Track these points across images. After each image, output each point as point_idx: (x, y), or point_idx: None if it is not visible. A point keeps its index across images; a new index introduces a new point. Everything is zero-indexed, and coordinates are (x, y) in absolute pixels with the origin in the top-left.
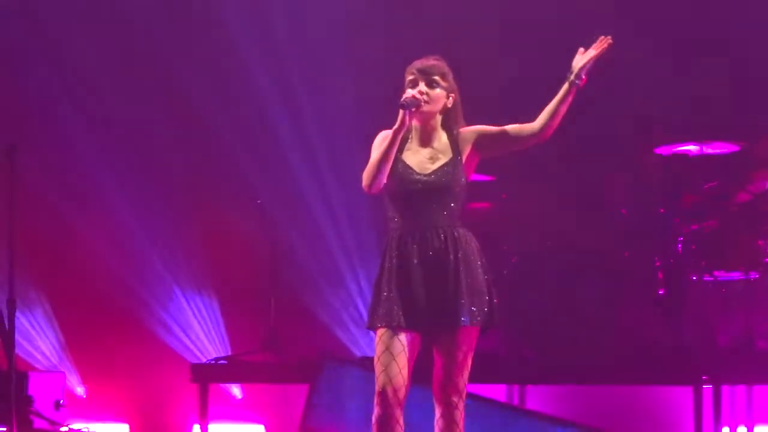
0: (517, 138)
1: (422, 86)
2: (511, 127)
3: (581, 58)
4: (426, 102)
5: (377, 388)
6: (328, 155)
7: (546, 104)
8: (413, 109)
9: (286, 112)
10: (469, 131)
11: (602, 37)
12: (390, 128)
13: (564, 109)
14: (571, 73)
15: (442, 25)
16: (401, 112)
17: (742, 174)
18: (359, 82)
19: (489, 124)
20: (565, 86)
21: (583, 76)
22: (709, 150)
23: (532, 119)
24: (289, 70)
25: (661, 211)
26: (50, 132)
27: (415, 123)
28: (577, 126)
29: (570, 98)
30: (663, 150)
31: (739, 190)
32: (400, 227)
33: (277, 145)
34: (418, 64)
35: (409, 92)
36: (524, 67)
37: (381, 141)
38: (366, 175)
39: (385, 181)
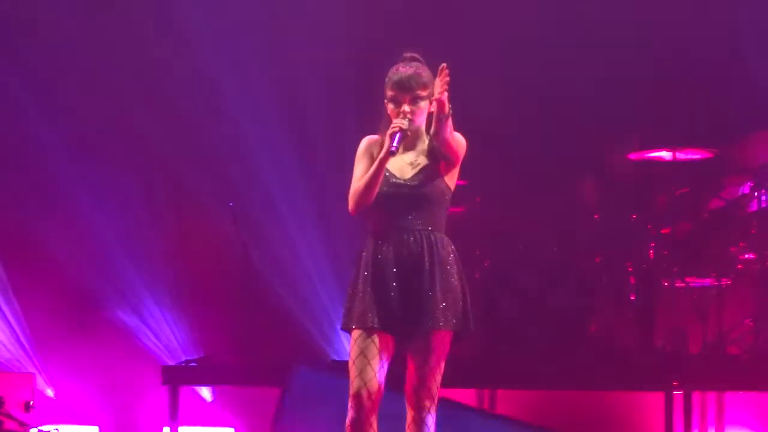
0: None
1: (405, 107)
2: None
3: (437, 107)
4: (411, 121)
5: (351, 391)
6: (300, 156)
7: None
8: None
9: (258, 113)
10: None
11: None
12: (368, 134)
13: (444, 132)
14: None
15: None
16: (387, 140)
17: (715, 180)
18: (333, 84)
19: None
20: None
21: (446, 117)
22: (681, 156)
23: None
24: (263, 73)
25: (634, 216)
26: (19, 131)
27: None
28: (551, 130)
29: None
30: (636, 156)
31: (711, 196)
32: (378, 229)
33: (249, 146)
34: (395, 77)
35: (395, 123)
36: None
37: (365, 151)
38: (352, 199)
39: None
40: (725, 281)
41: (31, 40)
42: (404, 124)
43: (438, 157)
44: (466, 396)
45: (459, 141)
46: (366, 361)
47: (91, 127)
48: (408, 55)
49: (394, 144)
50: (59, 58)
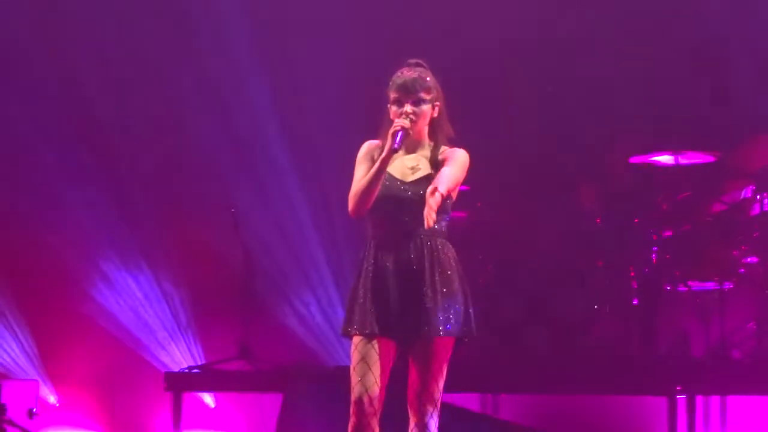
0: None
1: (408, 108)
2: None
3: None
4: (413, 122)
5: (353, 397)
6: (301, 163)
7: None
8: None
9: (259, 119)
10: (446, 153)
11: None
12: (369, 138)
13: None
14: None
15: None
16: (389, 140)
17: (717, 184)
18: (333, 87)
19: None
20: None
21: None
22: (683, 160)
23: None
24: (265, 78)
25: (636, 220)
26: (21, 140)
27: None
28: (553, 135)
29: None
30: (637, 160)
31: (713, 200)
32: (379, 234)
33: (251, 152)
34: (399, 80)
35: (397, 122)
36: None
37: (365, 155)
38: (352, 201)
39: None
40: (728, 285)
41: (30, 44)
42: (406, 123)
43: (440, 167)
44: (468, 401)
45: (462, 164)
46: (367, 366)
47: (92, 132)
48: (413, 61)
49: (397, 142)
50: (61, 61)
